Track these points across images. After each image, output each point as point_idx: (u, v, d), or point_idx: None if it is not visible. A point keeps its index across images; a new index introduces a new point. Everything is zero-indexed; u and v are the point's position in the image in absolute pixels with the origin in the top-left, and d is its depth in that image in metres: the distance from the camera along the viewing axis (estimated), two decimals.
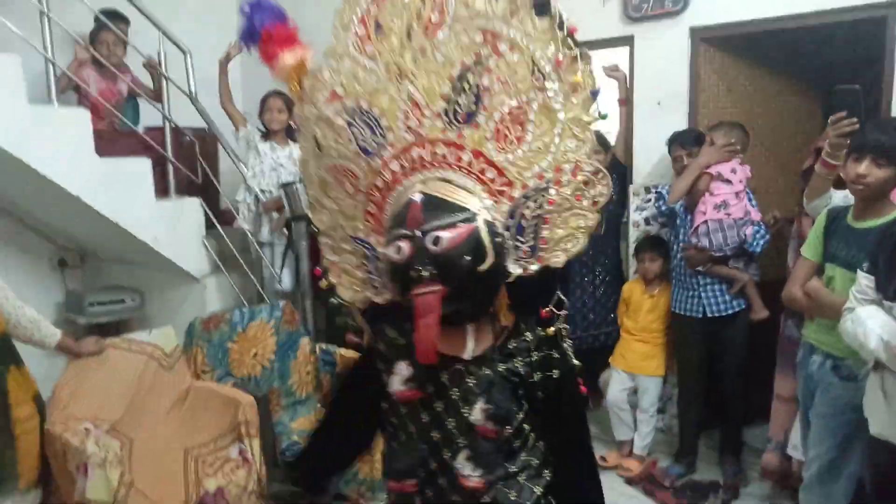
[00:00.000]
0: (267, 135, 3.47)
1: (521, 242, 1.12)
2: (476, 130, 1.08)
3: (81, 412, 2.28)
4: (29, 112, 2.73)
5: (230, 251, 3.40)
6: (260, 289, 3.39)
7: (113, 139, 3.19)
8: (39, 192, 2.94)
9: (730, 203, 2.81)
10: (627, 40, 3.29)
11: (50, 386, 2.40)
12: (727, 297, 2.85)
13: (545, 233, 1.13)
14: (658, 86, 3.23)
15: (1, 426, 2.06)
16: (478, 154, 1.09)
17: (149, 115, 3.63)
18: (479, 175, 1.10)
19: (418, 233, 1.02)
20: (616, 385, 3.17)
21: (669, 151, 3.03)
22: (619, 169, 3.35)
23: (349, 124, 1.14)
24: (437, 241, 1.01)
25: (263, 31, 1.21)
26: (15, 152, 2.66)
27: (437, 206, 1.05)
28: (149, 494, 2.11)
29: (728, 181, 2.83)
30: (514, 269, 1.12)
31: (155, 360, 2.58)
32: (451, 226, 1.02)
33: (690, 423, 3.06)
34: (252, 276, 3.41)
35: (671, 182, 3.05)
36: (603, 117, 1.14)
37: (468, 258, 1.02)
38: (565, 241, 1.13)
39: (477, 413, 1.07)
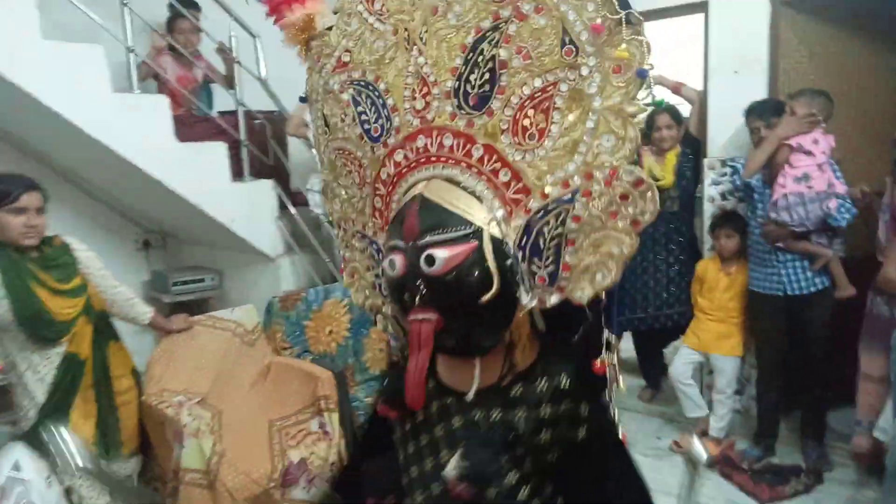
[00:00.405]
0: None
1: (538, 267, 0.88)
2: (489, 119, 0.88)
3: (174, 385, 2.40)
4: (113, 100, 2.86)
5: (302, 231, 3.49)
6: (332, 268, 3.47)
7: (190, 124, 3.31)
8: (124, 176, 3.09)
9: (811, 175, 2.69)
10: (702, 6, 3.16)
11: (140, 360, 2.54)
12: (809, 275, 2.74)
13: (568, 257, 0.87)
14: (735, 53, 3.09)
15: (104, 397, 2.20)
16: (490, 149, 0.89)
17: (221, 100, 3.74)
18: (491, 176, 0.89)
19: (414, 245, 0.86)
20: (680, 359, 3.12)
21: (746, 122, 2.92)
22: (693, 143, 3.24)
23: (354, 101, 0.99)
24: (431, 260, 0.83)
25: None
26: (101, 139, 2.80)
27: (436, 216, 0.86)
28: (238, 463, 2.21)
29: (809, 152, 2.70)
30: (527, 301, 0.89)
31: (238, 337, 2.69)
32: (450, 242, 0.84)
33: (770, 405, 2.97)
34: (324, 256, 3.49)
35: (748, 155, 2.94)
36: (658, 104, 0.96)
37: (468, 284, 0.84)
38: (594, 269, 0.86)
39: (450, 468, 0.88)
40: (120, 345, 2.33)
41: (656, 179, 3.11)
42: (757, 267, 2.88)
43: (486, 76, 0.88)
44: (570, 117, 0.85)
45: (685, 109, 3.34)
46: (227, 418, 2.35)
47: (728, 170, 3.11)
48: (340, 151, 1.05)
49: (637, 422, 3.36)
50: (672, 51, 4.20)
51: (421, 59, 0.92)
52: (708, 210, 3.23)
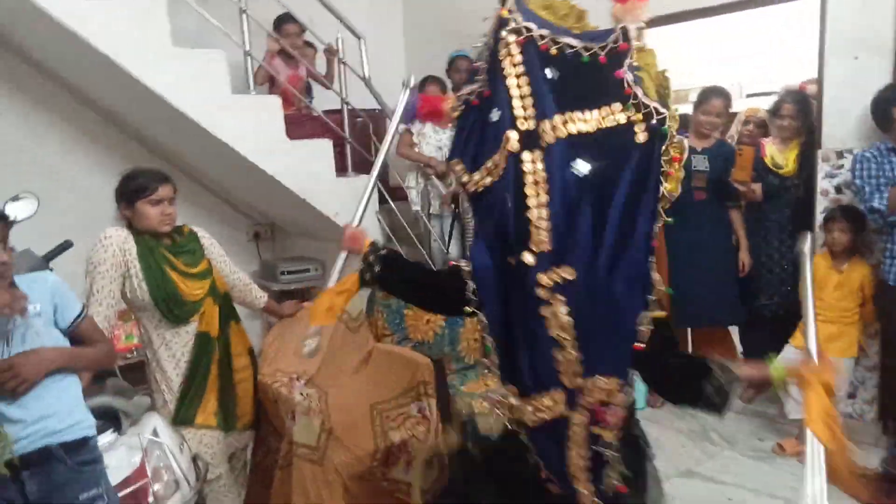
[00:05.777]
0: None
1: None
2: None
3: (285, 366, 2.56)
4: (232, 101, 3.09)
5: (401, 224, 3.61)
6: (428, 259, 3.57)
7: (299, 122, 3.50)
8: (240, 171, 3.32)
9: None
10: None
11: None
12: None
13: None
14: (855, 35, 2.91)
15: (225, 373, 2.38)
16: None
17: (324, 99, 3.92)
18: None
19: None
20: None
21: (879, 111, 2.72)
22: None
23: None
24: None
25: None
26: (222, 137, 3.03)
27: None
28: (345, 441, 2.34)
29: None
30: None
31: (343, 323, 2.82)
32: None
33: None
34: (421, 248, 3.60)
35: (868, 146, 2.75)
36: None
37: None
38: None
39: None
40: (240, 325, 2.51)
41: (778, 167, 3.15)
42: None
43: None
44: None
45: None
46: (333, 399, 2.48)
47: (844, 161, 2.94)
48: None
49: (737, 422, 3.25)
50: (785, 34, 3.97)
51: None
52: (821, 204, 3.07)
